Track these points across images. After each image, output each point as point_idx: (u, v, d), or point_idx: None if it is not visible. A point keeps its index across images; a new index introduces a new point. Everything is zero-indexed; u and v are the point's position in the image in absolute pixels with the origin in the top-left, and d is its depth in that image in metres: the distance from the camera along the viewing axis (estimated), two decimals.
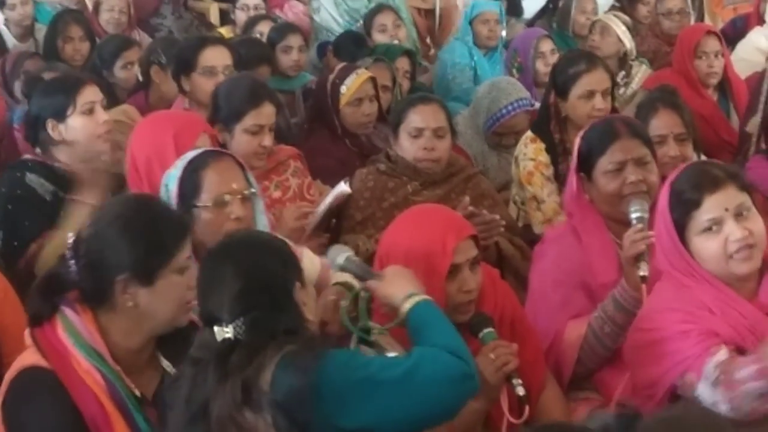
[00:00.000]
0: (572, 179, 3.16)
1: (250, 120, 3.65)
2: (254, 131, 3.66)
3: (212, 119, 3.73)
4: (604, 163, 3.06)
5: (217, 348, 2.16)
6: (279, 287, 2.21)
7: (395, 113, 3.89)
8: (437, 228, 2.70)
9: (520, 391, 2.56)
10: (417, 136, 3.71)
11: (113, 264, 2.34)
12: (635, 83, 5.43)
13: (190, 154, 2.97)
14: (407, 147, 3.73)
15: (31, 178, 3.58)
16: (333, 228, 3.79)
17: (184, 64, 4.27)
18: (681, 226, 2.60)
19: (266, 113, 3.68)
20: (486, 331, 2.65)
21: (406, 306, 2.39)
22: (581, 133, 3.22)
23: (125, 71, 5.01)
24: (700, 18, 6.96)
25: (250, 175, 3.00)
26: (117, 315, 2.36)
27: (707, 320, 2.55)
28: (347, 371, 2.14)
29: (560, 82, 4.16)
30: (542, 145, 4.14)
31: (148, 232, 2.36)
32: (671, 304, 2.62)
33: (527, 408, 2.58)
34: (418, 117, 3.72)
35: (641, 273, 2.84)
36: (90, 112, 3.64)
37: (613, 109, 4.22)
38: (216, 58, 4.27)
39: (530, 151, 4.14)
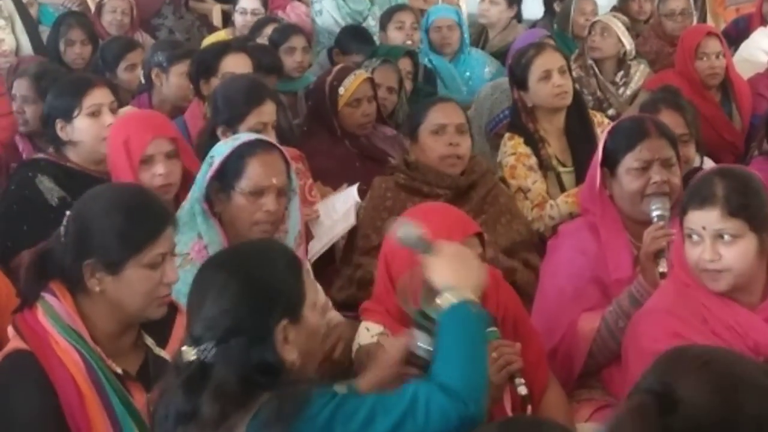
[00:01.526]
0: (595, 173, 3.15)
1: (252, 119, 3.64)
2: (258, 129, 3.63)
3: (213, 122, 3.73)
4: (630, 160, 3.06)
5: (184, 372, 2.05)
6: (257, 319, 2.03)
7: (412, 117, 3.84)
8: (442, 226, 2.68)
9: (523, 390, 2.55)
10: (440, 133, 3.65)
11: (85, 247, 2.35)
12: (634, 83, 5.42)
13: (244, 137, 3.05)
14: (430, 145, 3.66)
15: (42, 180, 3.60)
16: (345, 243, 3.77)
17: (204, 69, 4.30)
18: (681, 224, 2.62)
19: (268, 111, 3.69)
20: (489, 330, 2.62)
21: (442, 303, 2.20)
22: (608, 128, 3.23)
23: (128, 73, 5.02)
24: (703, 19, 6.96)
25: (293, 172, 3.06)
26: (91, 299, 2.38)
27: (699, 331, 2.55)
28: (333, 426, 1.99)
29: (517, 75, 4.22)
30: (520, 140, 4.16)
31: (121, 222, 2.36)
32: (670, 306, 2.63)
33: (530, 408, 2.58)
34: (440, 114, 3.69)
35: (661, 269, 2.85)
36: (96, 114, 3.64)
37: (575, 91, 4.27)
38: (237, 65, 4.32)
39: (509, 148, 4.16)
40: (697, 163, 3.90)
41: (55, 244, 2.41)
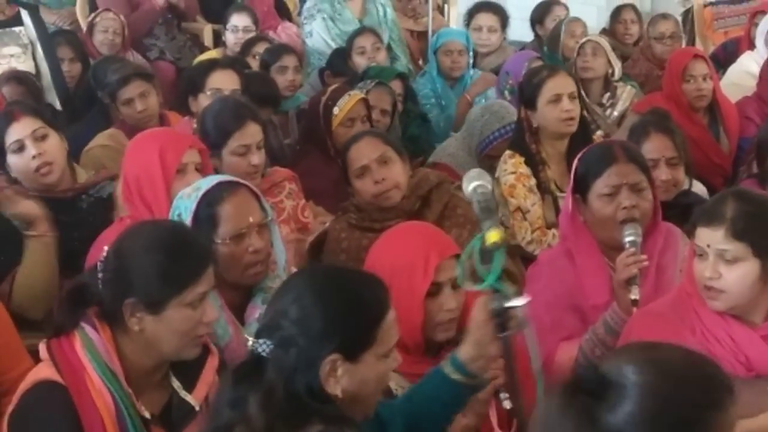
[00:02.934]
0: (567, 200, 3.17)
1: (235, 142, 3.65)
2: (241, 152, 3.65)
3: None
4: (600, 185, 3.06)
5: (240, 362, 2.09)
6: (311, 341, 2.01)
7: (342, 162, 3.72)
8: (421, 246, 2.69)
9: (507, 405, 2.53)
10: (365, 174, 3.58)
11: (125, 285, 2.32)
12: (621, 104, 5.46)
13: (203, 186, 2.90)
14: (360, 188, 3.60)
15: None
16: None
17: (192, 85, 4.32)
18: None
19: (251, 132, 3.67)
20: None
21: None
22: (579, 155, 3.23)
23: None
24: (691, 42, 7.01)
25: (264, 202, 2.98)
26: (129, 336, 2.35)
27: (686, 339, 2.55)
28: None
29: (527, 94, 4.22)
30: (521, 159, 4.16)
31: (164, 262, 2.32)
32: (664, 310, 2.65)
33: (515, 421, 2.58)
34: (357, 154, 3.61)
35: (632, 297, 2.85)
36: (19, 149, 3.63)
37: (582, 118, 4.27)
38: (224, 81, 4.34)
39: (510, 166, 4.16)
40: (686, 185, 3.93)
41: (91, 279, 2.37)
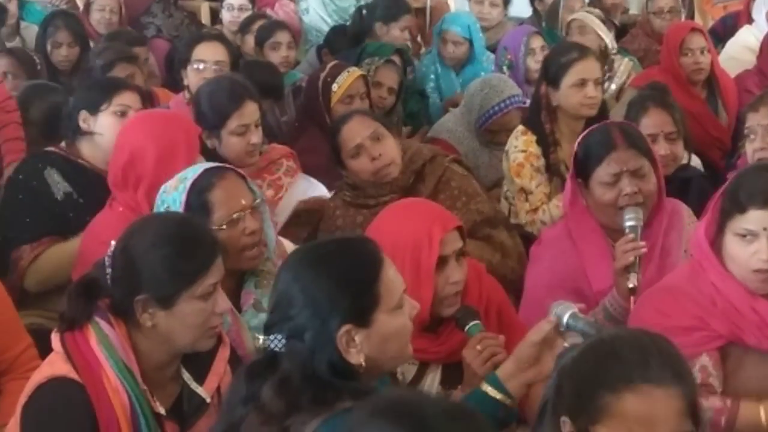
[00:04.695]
0: (569, 185, 3.15)
1: (234, 122, 3.64)
2: (240, 132, 3.65)
3: (198, 126, 3.73)
4: (601, 173, 3.04)
5: (253, 359, 2.09)
6: (319, 320, 2.00)
7: (332, 144, 3.67)
8: (422, 221, 2.69)
9: None
10: (360, 153, 3.57)
11: (135, 282, 2.31)
12: (618, 77, 5.43)
13: (189, 175, 2.88)
14: (357, 168, 3.58)
15: (50, 174, 3.59)
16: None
17: (181, 58, 4.34)
18: (724, 217, 2.60)
19: (248, 112, 3.67)
20: (472, 323, 2.65)
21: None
22: (579, 139, 3.21)
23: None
24: (691, 16, 6.97)
25: (252, 184, 2.97)
26: (142, 332, 2.34)
27: (713, 316, 2.57)
28: None
29: (552, 72, 4.17)
30: (533, 137, 4.14)
31: (172, 256, 2.32)
32: (687, 287, 2.63)
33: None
34: (350, 134, 3.58)
35: (630, 284, 2.83)
36: (123, 114, 3.62)
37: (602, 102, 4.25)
38: (207, 52, 4.33)
39: (521, 143, 4.15)
40: (685, 160, 3.93)
41: (100, 274, 2.36)
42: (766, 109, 3.61)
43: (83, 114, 3.62)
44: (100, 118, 3.62)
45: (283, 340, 2.02)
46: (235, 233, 2.83)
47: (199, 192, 2.83)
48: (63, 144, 3.71)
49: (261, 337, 2.06)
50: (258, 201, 2.92)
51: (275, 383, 1.98)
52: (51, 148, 3.75)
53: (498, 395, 2.40)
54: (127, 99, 3.66)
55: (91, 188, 3.55)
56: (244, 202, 2.87)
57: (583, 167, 3.09)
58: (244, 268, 2.92)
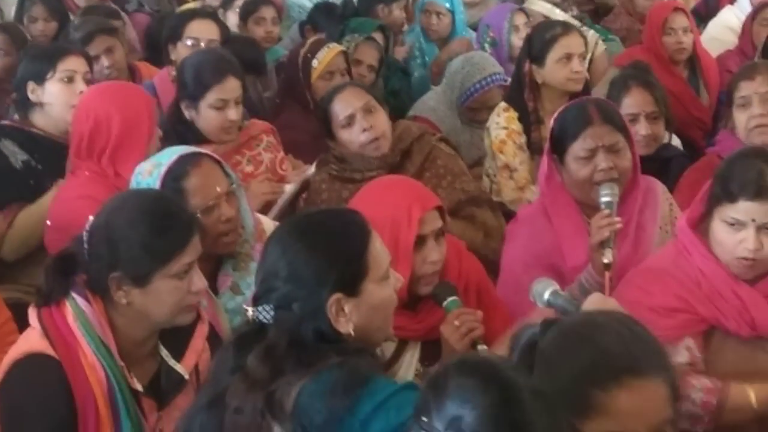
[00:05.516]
0: (545, 161, 3.15)
1: (213, 95, 3.63)
2: (219, 106, 3.63)
3: (179, 96, 3.73)
4: (576, 148, 3.03)
5: (240, 329, 2.11)
6: (309, 289, 2.03)
7: (323, 115, 3.66)
8: (402, 199, 2.69)
9: None
10: (351, 123, 3.56)
11: (110, 260, 2.30)
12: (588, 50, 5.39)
13: (164, 161, 2.85)
14: (346, 138, 3.58)
15: (6, 145, 3.60)
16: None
17: (171, 34, 4.30)
18: (713, 202, 2.64)
19: (230, 87, 3.65)
20: (450, 299, 2.66)
21: None
22: (555, 114, 3.20)
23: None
24: None
25: (227, 168, 2.95)
26: (117, 309, 2.34)
27: (697, 300, 2.60)
28: (387, 412, 1.93)
29: (536, 48, 4.18)
30: (515, 114, 4.15)
31: (147, 234, 2.31)
32: (672, 269, 2.66)
33: None
34: (343, 104, 3.59)
35: (605, 260, 2.83)
36: (69, 80, 3.64)
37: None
38: (201, 30, 4.33)
39: (502, 120, 4.15)
40: (666, 140, 3.94)
41: (77, 250, 2.35)
42: (761, 77, 3.58)
43: (30, 85, 3.64)
44: (47, 86, 3.64)
45: (272, 312, 2.04)
46: (211, 220, 2.82)
47: (174, 179, 2.82)
48: (16, 116, 3.71)
49: (249, 309, 2.07)
50: (234, 186, 2.91)
51: (260, 351, 2.00)
52: (4, 122, 3.77)
53: None
54: (72, 64, 3.67)
55: (48, 155, 3.59)
56: (219, 189, 2.85)
57: (559, 143, 3.09)
58: (220, 252, 2.92)
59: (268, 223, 3.11)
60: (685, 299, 2.62)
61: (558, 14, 5.59)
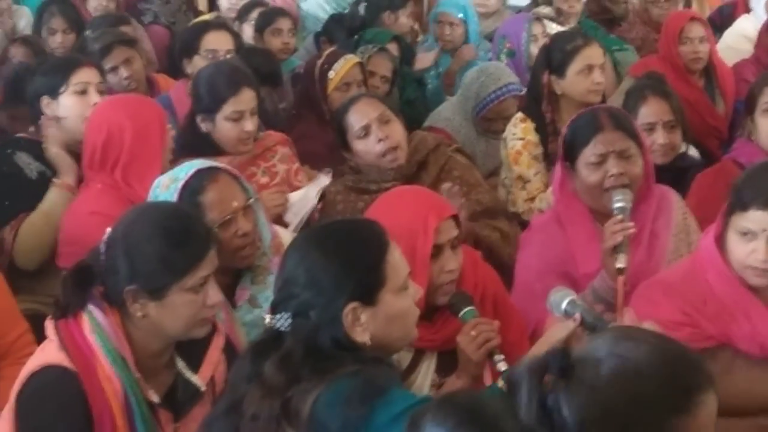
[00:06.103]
0: (558, 169, 3.15)
1: (229, 108, 3.64)
2: (235, 118, 3.65)
3: (195, 109, 3.74)
4: (587, 154, 3.03)
5: (259, 338, 2.12)
6: (326, 298, 2.04)
7: (338, 126, 3.66)
8: (419, 208, 2.69)
9: (502, 366, 2.55)
10: (368, 134, 3.56)
11: (127, 272, 2.31)
12: None
13: (181, 176, 2.85)
14: (362, 149, 3.58)
15: (20, 157, 3.61)
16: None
17: (186, 47, 4.31)
18: (728, 213, 2.62)
19: (245, 99, 3.66)
20: (466, 309, 2.65)
21: None
22: (568, 122, 3.20)
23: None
24: (688, 5, 6.97)
25: (244, 182, 2.95)
26: (133, 321, 2.34)
27: (704, 316, 2.59)
28: (403, 425, 1.90)
29: (557, 59, 4.16)
30: (532, 125, 4.14)
31: (164, 247, 2.31)
32: (679, 285, 2.65)
33: None
34: (359, 115, 3.59)
35: (618, 265, 2.83)
36: (83, 92, 3.65)
37: None
38: (218, 42, 4.36)
39: (519, 131, 4.15)
40: (683, 149, 3.93)
41: (94, 261, 2.36)
42: None
43: (45, 99, 3.64)
44: (62, 100, 3.64)
45: (290, 319, 2.05)
46: (228, 235, 2.83)
47: (191, 194, 2.82)
48: (31, 129, 3.72)
49: (267, 316, 2.08)
50: (251, 200, 2.91)
51: (277, 358, 2.02)
52: (18, 135, 3.78)
53: None
54: (84, 76, 3.67)
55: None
56: (236, 204, 2.85)
57: (571, 149, 3.09)
58: (238, 266, 2.92)
59: (286, 236, 3.12)
60: (688, 314, 2.60)
61: (554, 28, 5.59)
